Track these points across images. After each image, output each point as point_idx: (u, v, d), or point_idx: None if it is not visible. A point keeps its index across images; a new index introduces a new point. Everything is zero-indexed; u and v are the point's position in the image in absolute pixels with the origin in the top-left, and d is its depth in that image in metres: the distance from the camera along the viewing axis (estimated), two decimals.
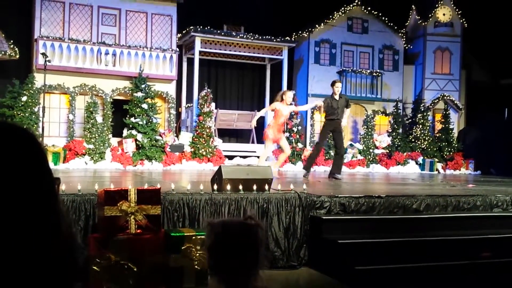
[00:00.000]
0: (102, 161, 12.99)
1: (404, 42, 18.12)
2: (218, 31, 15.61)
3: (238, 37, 15.79)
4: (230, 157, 14.91)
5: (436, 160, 16.73)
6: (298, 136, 15.68)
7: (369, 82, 17.38)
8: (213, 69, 17.44)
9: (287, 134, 15.59)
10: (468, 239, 5.74)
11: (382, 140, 16.78)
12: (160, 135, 13.98)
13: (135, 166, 13.11)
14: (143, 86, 13.94)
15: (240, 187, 5.51)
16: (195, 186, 6.00)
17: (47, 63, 11.55)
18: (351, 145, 16.26)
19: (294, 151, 15.44)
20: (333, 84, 9.95)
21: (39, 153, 1.11)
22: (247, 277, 1.71)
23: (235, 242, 1.72)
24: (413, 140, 17.12)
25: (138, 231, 4.37)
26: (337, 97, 9.78)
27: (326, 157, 15.63)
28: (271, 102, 17.01)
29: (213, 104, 14.89)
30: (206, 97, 14.50)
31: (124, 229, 4.33)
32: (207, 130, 14.25)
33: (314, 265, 5.46)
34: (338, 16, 17.19)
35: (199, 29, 15.24)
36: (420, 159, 16.72)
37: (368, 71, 17.34)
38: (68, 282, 1.12)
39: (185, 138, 14.46)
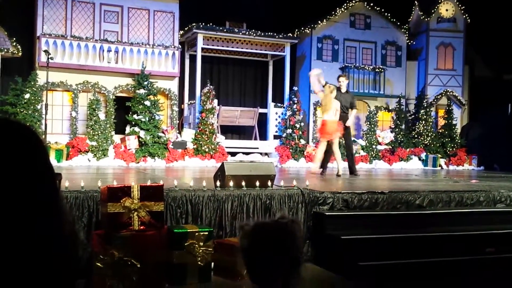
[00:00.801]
0: (105, 158, 13.01)
1: (407, 38, 18.07)
2: (220, 28, 15.59)
3: (240, 33, 15.78)
4: (233, 154, 14.92)
5: (439, 156, 16.70)
6: (300, 133, 15.67)
7: (371, 78, 17.35)
8: (215, 66, 17.43)
9: (289, 130, 15.60)
10: (472, 235, 5.72)
11: (385, 136, 16.75)
12: (163, 132, 13.99)
13: (138, 163, 13.12)
14: (145, 83, 13.95)
15: (243, 183, 5.51)
16: (198, 182, 6.01)
17: (50, 60, 11.56)
18: (354, 141, 16.21)
19: (297, 147, 15.45)
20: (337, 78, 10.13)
21: (40, 149, 1.11)
22: (288, 277, 1.65)
23: (272, 243, 1.65)
24: (416, 136, 17.09)
25: (141, 227, 4.38)
26: (342, 90, 9.80)
27: None
28: (273, 98, 17.12)
29: (215, 101, 14.89)
30: (208, 94, 14.50)
31: (127, 226, 4.33)
32: (210, 127, 14.26)
33: (317, 261, 5.46)
34: (340, 12, 17.15)
35: (201, 26, 15.22)
36: (423, 155, 16.69)
37: (371, 67, 17.30)
38: (70, 278, 1.12)
39: (188, 134, 14.47)
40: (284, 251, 1.64)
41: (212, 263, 4.65)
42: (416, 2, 18.62)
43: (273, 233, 1.67)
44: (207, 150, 14.00)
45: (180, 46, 15.33)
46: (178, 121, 15.43)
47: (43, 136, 11.38)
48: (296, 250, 1.67)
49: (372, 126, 16.33)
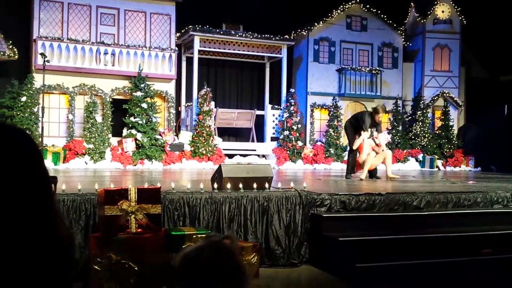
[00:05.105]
0: (102, 161, 12.99)
1: (403, 39, 18.10)
2: (217, 30, 15.60)
3: (237, 35, 15.78)
4: (230, 156, 14.91)
5: (436, 157, 16.73)
6: (298, 134, 15.68)
7: (368, 80, 17.36)
8: (212, 68, 17.43)
9: (286, 132, 15.60)
10: (469, 236, 5.73)
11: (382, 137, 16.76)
12: (160, 134, 13.97)
13: (135, 165, 13.10)
14: (142, 85, 13.93)
15: (240, 185, 5.51)
16: (195, 185, 6.00)
17: (46, 63, 11.54)
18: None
19: (294, 149, 15.45)
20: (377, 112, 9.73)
21: (34, 153, 1.10)
22: None
23: (208, 269, 1.42)
24: (413, 137, 17.12)
25: (139, 230, 4.37)
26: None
27: (326, 155, 15.63)
28: (270, 100, 17.13)
29: (212, 103, 14.89)
30: (205, 96, 14.50)
31: (124, 228, 4.32)
32: (207, 129, 14.25)
33: (315, 263, 5.46)
34: (337, 14, 17.17)
35: (198, 28, 15.23)
36: (420, 156, 16.72)
37: (368, 68, 17.32)
38: (66, 281, 1.12)
39: (185, 137, 14.46)
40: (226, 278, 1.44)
41: None
42: (412, 3, 18.66)
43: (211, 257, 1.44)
44: (204, 152, 13.99)
45: (176, 49, 15.32)
46: (175, 124, 15.42)
47: (40, 139, 11.36)
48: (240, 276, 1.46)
49: None
